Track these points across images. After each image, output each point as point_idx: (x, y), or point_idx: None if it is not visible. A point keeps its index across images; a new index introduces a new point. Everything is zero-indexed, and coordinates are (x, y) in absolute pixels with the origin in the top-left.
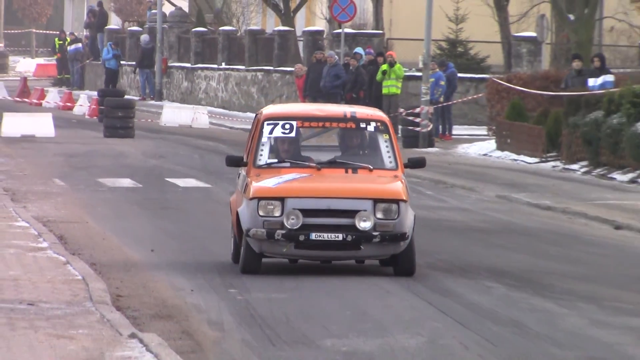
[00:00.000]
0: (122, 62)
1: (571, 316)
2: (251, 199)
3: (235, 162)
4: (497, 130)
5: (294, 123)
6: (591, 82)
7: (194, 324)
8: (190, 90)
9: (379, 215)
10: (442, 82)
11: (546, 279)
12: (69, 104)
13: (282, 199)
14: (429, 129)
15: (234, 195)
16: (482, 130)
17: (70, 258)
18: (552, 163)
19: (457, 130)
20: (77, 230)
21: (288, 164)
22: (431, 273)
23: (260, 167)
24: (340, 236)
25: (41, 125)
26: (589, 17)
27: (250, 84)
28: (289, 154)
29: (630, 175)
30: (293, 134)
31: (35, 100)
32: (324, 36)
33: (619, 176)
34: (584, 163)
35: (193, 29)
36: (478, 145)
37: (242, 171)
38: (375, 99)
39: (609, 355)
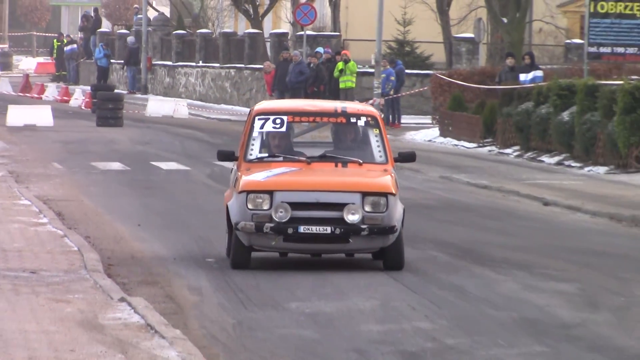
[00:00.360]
0: (112, 60)
1: (506, 282)
2: (240, 192)
3: (226, 156)
4: (440, 119)
5: (285, 118)
6: (522, 77)
7: (176, 289)
8: (171, 85)
9: (368, 208)
10: (392, 78)
11: (484, 249)
12: (65, 98)
13: (270, 192)
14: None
15: (228, 191)
16: (427, 120)
17: (67, 232)
18: (488, 148)
19: (405, 119)
20: (73, 207)
21: (278, 159)
22: None
23: (250, 161)
24: (328, 229)
25: (41, 116)
26: (520, 20)
27: (224, 79)
28: (280, 148)
29: (556, 159)
30: (284, 129)
31: (36, 95)
32: (289, 37)
33: (547, 159)
34: (516, 148)
35: (174, 32)
36: (423, 133)
37: (234, 166)
38: (333, 92)
39: (540, 315)
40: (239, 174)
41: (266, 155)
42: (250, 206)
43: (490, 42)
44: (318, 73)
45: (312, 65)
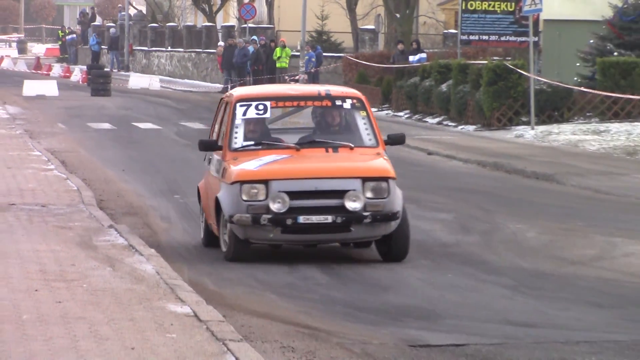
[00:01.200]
0: (102, 46)
1: None
2: (233, 183)
3: (209, 146)
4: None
5: (268, 103)
6: (411, 58)
7: (151, 219)
8: (147, 65)
9: (369, 194)
10: (313, 59)
11: None
12: (67, 74)
13: (265, 182)
14: None
15: (203, 181)
16: None
17: (69, 175)
18: (386, 111)
19: None
20: (73, 157)
21: (265, 146)
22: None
23: (236, 150)
24: (329, 218)
25: (49, 88)
26: (409, 15)
27: (187, 60)
28: (265, 135)
29: (437, 119)
30: (268, 115)
31: (45, 72)
32: (235, 29)
33: (430, 120)
34: (407, 111)
35: (149, 25)
36: None
37: (216, 155)
38: (270, 70)
39: (425, 237)
40: (226, 163)
41: (251, 143)
42: (245, 197)
43: (386, 32)
44: (258, 56)
45: (253, 50)
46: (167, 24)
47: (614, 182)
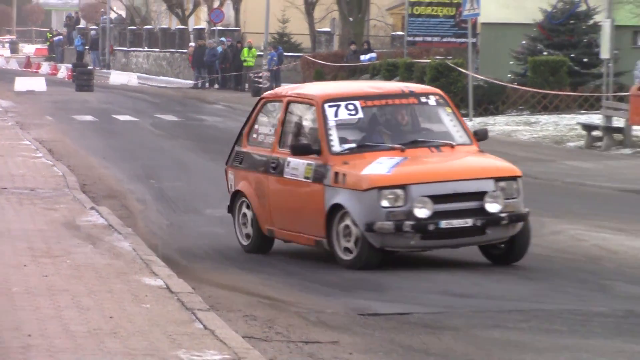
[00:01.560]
0: (85, 47)
1: None
2: (368, 189)
3: (304, 150)
4: None
5: (357, 103)
6: (362, 57)
7: (129, 201)
8: (126, 63)
9: (502, 195)
10: (275, 58)
11: None
12: (54, 72)
13: (404, 187)
14: (267, 85)
15: (247, 186)
16: None
17: (55, 162)
18: None
19: (284, 86)
20: (60, 146)
21: (368, 148)
22: None
23: (339, 153)
24: (469, 221)
25: (38, 84)
26: (361, 19)
27: (162, 59)
28: (360, 136)
29: None
30: (360, 115)
31: (34, 70)
32: (205, 31)
33: None
34: None
35: (128, 27)
36: None
37: (301, 160)
38: (236, 68)
39: None
40: (338, 168)
41: (353, 145)
42: (384, 204)
43: (340, 34)
44: (225, 55)
45: (221, 49)
46: (145, 27)
47: (543, 167)
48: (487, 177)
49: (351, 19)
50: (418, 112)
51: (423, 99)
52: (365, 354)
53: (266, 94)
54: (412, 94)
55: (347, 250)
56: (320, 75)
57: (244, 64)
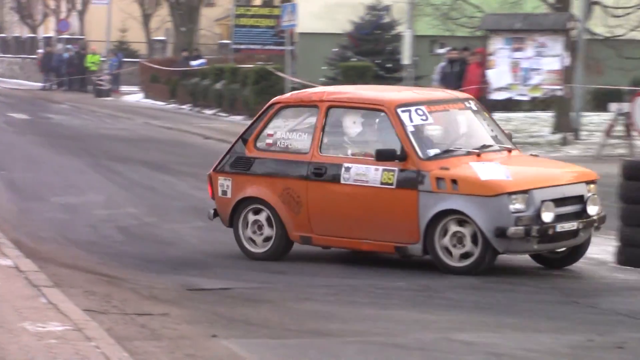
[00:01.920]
0: None
1: (182, 183)
2: (497, 195)
3: (388, 156)
4: (144, 88)
5: (424, 108)
6: (193, 63)
7: None
8: None
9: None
10: (116, 63)
11: (171, 165)
12: None
13: (528, 192)
14: (108, 87)
15: (270, 193)
16: (136, 88)
17: None
18: (173, 105)
19: (123, 88)
20: None
21: (449, 153)
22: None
23: (430, 158)
24: (575, 225)
25: None
26: (192, 28)
27: (14, 64)
28: (435, 141)
29: (213, 111)
30: (431, 120)
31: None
32: (53, 39)
33: (207, 112)
34: (189, 105)
35: None
36: (134, 96)
37: (374, 165)
38: (81, 72)
39: (201, 204)
40: (440, 174)
41: (439, 151)
42: (513, 209)
43: (174, 42)
44: (71, 60)
45: (68, 56)
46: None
47: None
48: (582, 181)
49: (183, 28)
50: (468, 117)
51: (467, 104)
52: (192, 324)
53: (280, 98)
54: (458, 99)
55: (448, 254)
56: (155, 78)
57: (88, 68)
